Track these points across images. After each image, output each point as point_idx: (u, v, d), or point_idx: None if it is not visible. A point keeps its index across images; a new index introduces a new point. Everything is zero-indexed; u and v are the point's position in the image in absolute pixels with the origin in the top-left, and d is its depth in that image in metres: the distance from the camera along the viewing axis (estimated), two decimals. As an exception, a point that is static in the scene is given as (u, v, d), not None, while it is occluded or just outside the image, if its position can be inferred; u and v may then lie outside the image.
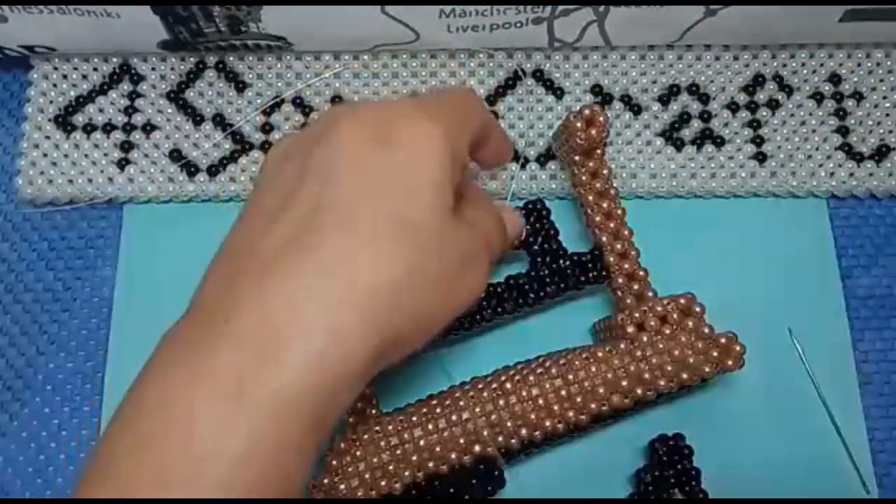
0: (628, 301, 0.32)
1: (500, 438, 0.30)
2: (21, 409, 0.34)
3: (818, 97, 0.37)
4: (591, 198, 0.33)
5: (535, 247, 0.33)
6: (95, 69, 0.37)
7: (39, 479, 0.33)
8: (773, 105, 0.37)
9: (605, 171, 0.33)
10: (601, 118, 0.32)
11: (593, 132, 0.32)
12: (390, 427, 0.30)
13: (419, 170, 0.25)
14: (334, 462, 0.30)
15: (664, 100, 0.37)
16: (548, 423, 0.30)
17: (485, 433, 0.30)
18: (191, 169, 0.36)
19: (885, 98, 0.37)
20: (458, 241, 0.26)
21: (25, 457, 0.34)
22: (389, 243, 0.24)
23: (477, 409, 0.30)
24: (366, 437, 0.30)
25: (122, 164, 0.36)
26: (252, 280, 0.23)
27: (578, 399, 0.30)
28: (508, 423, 0.30)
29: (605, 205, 0.33)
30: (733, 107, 0.37)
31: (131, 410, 0.22)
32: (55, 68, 0.37)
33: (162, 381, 0.22)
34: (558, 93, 0.37)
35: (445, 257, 0.25)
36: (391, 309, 0.23)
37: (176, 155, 0.36)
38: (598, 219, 0.33)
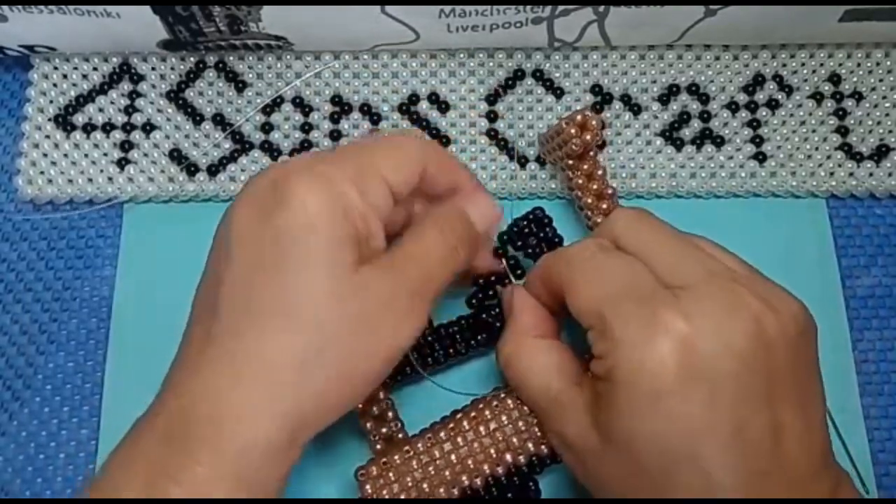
0: None
1: (531, 445, 0.30)
2: (21, 409, 0.34)
3: (818, 97, 0.37)
4: (589, 200, 0.33)
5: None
6: (95, 69, 0.37)
7: (39, 478, 0.33)
8: (773, 105, 0.37)
9: (599, 172, 0.33)
10: (594, 122, 0.32)
11: (588, 137, 0.32)
12: (419, 445, 0.30)
13: (304, 239, 0.25)
14: (368, 487, 0.29)
15: (664, 100, 0.37)
16: None
17: (514, 441, 0.30)
18: (191, 168, 0.36)
19: (884, 98, 0.37)
20: (365, 299, 0.25)
21: (25, 457, 0.34)
22: (283, 328, 0.25)
23: (503, 418, 0.30)
24: (396, 458, 0.29)
25: (122, 163, 0.36)
26: (181, 374, 0.26)
27: None
28: (537, 430, 0.30)
29: (604, 206, 0.33)
30: (733, 107, 0.37)
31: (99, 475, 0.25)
32: (55, 68, 0.37)
33: (112, 456, 0.25)
34: (558, 93, 0.37)
35: (347, 324, 0.25)
36: (297, 387, 0.25)
37: (176, 154, 0.36)
38: (598, 220, 0.33)
